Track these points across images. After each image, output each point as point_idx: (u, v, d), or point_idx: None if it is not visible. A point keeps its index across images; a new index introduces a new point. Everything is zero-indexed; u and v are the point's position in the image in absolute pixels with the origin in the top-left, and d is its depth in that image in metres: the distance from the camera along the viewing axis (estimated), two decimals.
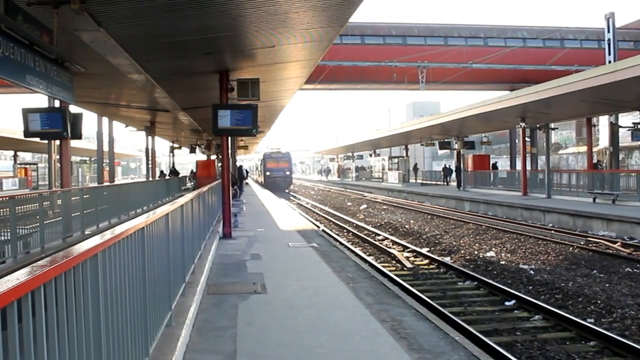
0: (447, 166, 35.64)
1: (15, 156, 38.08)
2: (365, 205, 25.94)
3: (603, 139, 32.63)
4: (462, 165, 28.45)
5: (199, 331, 4.54)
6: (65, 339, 1.81)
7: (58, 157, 15.30)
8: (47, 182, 23.59)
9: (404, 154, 39.62)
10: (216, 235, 10.06)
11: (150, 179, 22.97)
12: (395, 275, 9.18)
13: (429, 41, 29.48)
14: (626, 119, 24.41)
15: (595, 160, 25.40)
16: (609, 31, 23.06)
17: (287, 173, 43.93)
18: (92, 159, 42.21)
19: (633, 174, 19.26)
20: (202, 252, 7.43)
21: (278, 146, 46.43)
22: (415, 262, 10.92)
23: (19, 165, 37.61)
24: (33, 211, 8.26)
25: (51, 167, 19.48)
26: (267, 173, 43.56)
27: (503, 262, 10.67)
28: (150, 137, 22.71)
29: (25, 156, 42.64)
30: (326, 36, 8.60)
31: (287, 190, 40.89)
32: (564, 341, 5.91)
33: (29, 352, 1.52)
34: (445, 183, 34.37)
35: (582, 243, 12.24)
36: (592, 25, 37.06)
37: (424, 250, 12.15)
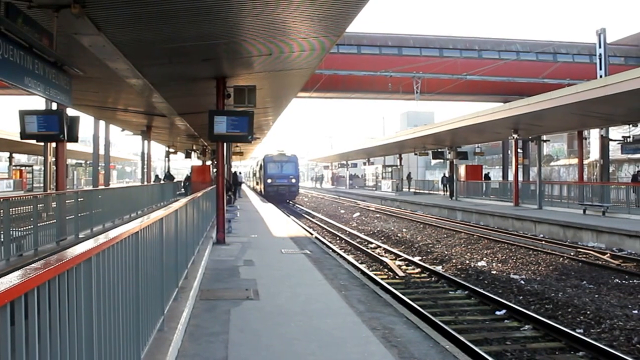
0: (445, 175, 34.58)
1: (10, 158, 37.93)
2: (358, 214, 25.99)
3: (594, 152, 32.98)
4: (454, 175, 28.61)
5: (191, 336, 4.55)
6: (57, 341, 1.82)
7: (54, 159, 15.23)
8: (42, 185, 23.46)
9: (398, 163, 39.79)
10: (210, 241, 10.06)
11: (146, 183, 22.91)
12: (387, 283, 9.21)
13: (424, 52, 29.73)
14: (616, 133, 24.72)
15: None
16: (600, 46, 23.45)
17: (293, 181, 35.32)
18: (88, 162, 42.04)
19: (623, 187, 19.48)
20: (196, 257, 7.43)
21: (282, 148, 37.88)
22: (407, 271, 10.96)
23: (14, 167, 37.43)
24: (27, 213, 8.23)
25: (46, 170, 19.39)
26: (268, 180, 34.90)
27: (494, 272, 10.74)
28: (146, 142, 22.69)
29: (20, 158, 42.43)
30: (323, 46, 8.69)
31: (289, 201, 34.64)
32: (554, 351, 5.97)
33: (20, 355, 1.52)
34: (444, 192, 32.56)
35: (572, 254, 12.35)
36: (584, 40, 37.54)
37: (416, 259, 12.19)
